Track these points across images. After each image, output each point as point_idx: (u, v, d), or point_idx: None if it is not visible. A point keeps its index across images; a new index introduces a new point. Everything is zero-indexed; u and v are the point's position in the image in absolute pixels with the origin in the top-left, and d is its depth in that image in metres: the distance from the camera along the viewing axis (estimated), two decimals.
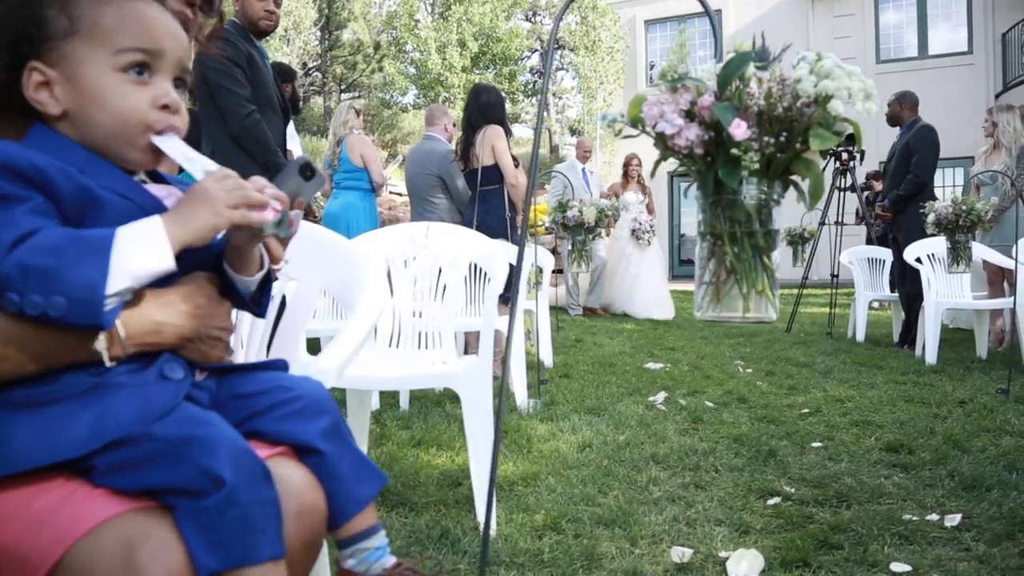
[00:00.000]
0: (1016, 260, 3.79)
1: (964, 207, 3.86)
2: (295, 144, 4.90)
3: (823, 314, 7.64)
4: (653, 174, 1.21)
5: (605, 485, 2.53)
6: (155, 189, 0.98)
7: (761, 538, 2.09)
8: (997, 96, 14.24)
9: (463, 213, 4.84)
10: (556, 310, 8.36)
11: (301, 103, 4.74)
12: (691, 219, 17.93)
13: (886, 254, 6.44)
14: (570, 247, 4.74)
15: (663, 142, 1.09)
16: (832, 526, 2.15)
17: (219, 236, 0.94)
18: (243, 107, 3.06)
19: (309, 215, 4.50)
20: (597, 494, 2.44)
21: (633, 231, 8.47)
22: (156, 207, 0.93)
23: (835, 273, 7.20)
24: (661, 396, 3.92)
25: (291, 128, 4.94)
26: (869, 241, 7.59)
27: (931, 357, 4.95)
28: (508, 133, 4.50)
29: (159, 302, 0.91)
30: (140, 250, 0.84)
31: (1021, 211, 5.59)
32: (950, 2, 15.06)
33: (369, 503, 1.03)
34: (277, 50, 14.44)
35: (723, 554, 1.95)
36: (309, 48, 16.64)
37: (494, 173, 4.41)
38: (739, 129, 0.99)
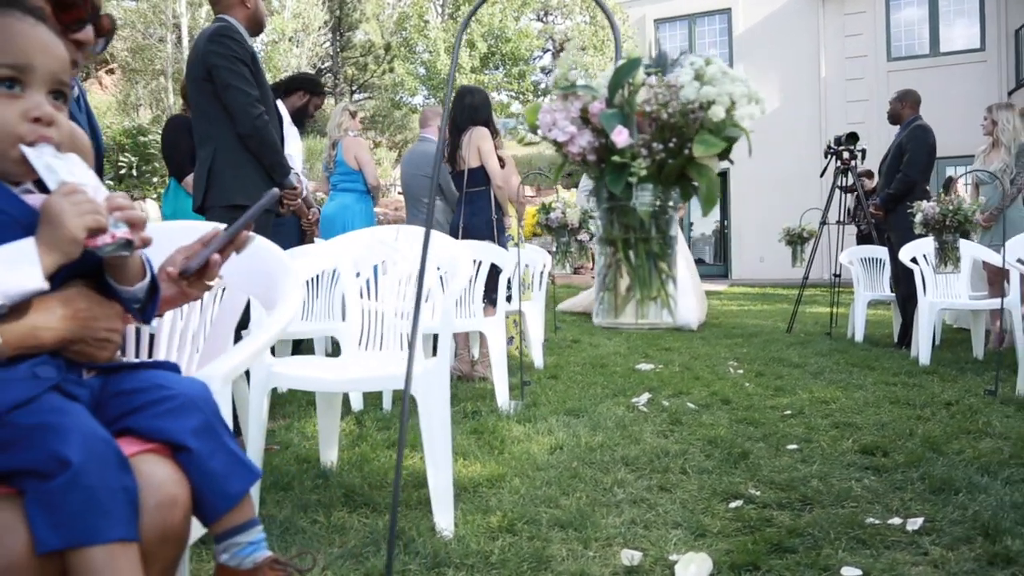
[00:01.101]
0: (1003, 258, 3.74)
1: (951, 207, 3.82)
2: (299, 152, 4.93)
3: (827, 314, 7.58)
4: (556, 179, 1.21)
5: (569, 487, 2.53)
6: (35, 200, 1.00)
7: (716, 541, 2.09)
8: (1010, 94, 14.07)
9: None
10: (571, 315, 8.39)
11: (310, 119, 4.77)
12: (702, 218, 17.87)
13: (885, 253, 6.39)
14: (554, 249, 4.73)
15: (559, 148, 1.10)
16: (790, 529, 2.14)
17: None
18: (254, 107, 3.05)
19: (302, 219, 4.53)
20: (560, 496, 2.44)
21: None
22: (32, 219, 0.95)
23: (837, 273, 7.16)
24: (644, 398, 3.91)
25: (298, 137, 4.97)
26: (860, 240, 7.55)
27: (924, 358, 4.90)
28: (494, 134, 4.51)
29: (38, 308, 0.94)
30: (12, 271, 0.88)
31: (1015, 210, 5.54)
32: None
33: (240, 499, 1.06)
34: (287, 51, 14.54)
35: (673, 557, 1.95)
36: (318, 50, 16.72)
37: (480, 175, 4.42)
38: (620, 136, 0.99)
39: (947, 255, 3.97)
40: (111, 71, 19.14)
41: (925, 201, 4.03)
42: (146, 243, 1.00)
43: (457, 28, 16.34)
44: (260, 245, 1.51)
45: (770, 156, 15.45)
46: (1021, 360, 3.92)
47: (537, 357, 4.92)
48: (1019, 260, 3.93)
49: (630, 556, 1.94)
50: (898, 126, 5.94)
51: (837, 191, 7.39)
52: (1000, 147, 5.68)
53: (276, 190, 1.19)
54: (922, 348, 4.92)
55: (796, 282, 7.40)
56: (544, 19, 26.04)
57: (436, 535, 2.13)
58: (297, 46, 14.90)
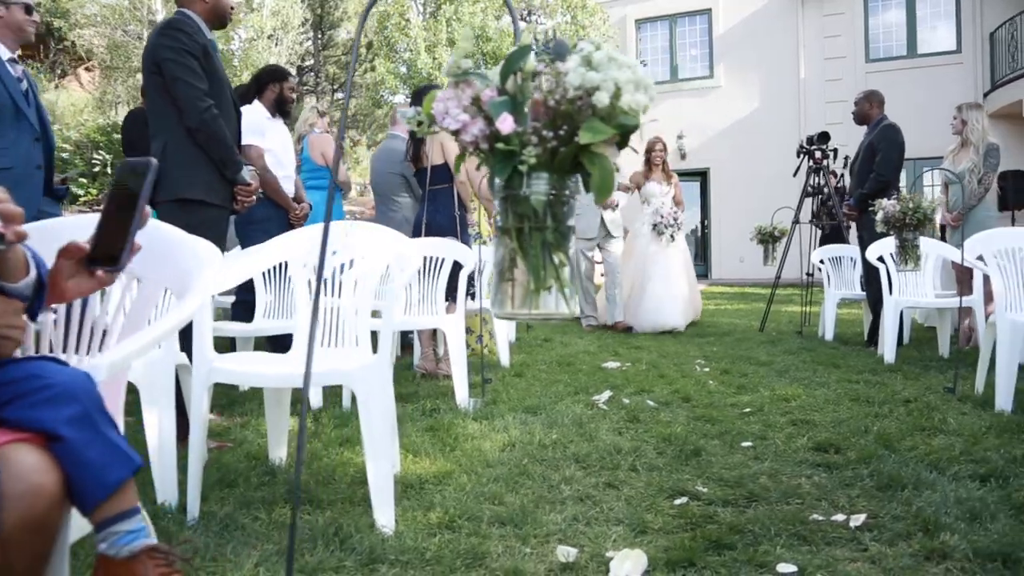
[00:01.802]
0: (962, 256, 3.75)
1: (911, 205, 3.83)
2: (288, 144, 4.87)
3: (806, 311, 7.57)
4: (457, 169, 1.20)
5: (517, 484, 2.51)
6: None
7: (656, 538, 2.08)
8: (986, 95, 14.19)
9: None
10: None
11: (292, 104, 4.72)
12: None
13: (856, 252, 6.41)
14: None
15: (456, 137, 1.08)
16: (731, 526, 2.13)
17: None
18: (202, 101, 3.01)
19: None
20: (506, 493, 2.42)
21: (655, 225, 7.28)
22: None
23: (809, 272, 7.18)
24: (606, 395, 3.90)
25: (285, 130, 4.92)
26: (823, 240, 7.59)
27: (889, 356, 4.92)
28: None
29: None
30: None
31: (983, 210, 5.58)
32: (939, 1, 15.00)
33: (117, 487, 1.05)
34: (266, 49, 14.43)
35: (610, 554, 1.93)
36: (297, 48, 16.61)
37: (444, 172, 4.39)
38: (505, 124, 0.97)
39: (907, 253, 3.98)
40: (89, 68, 18.95)
41: (886, 199, 4.04)
42: (20, 237, 0.97)
43: (428, 30, 16.30)
44: (173, 236, 1.48)
45: (750, 156, 15.53)
46: (982, 358, 3.93)
47: (504, 355, 4.90)
48: (979, 258, 3.95)
49: (566, 553, 1.93)
50: (865, 126, 5.97)
51: (810, 190, 7.42)
52: (969, 147, 5.70)
53: (154, 160, 1.16)
54: (887, 346, 4.94)
55: (769, 281, 7.40)
56: (527, 19, 26.01)
57: (375, 531, 2.11)
58: (276, 44, 14.78)
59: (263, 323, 3.96)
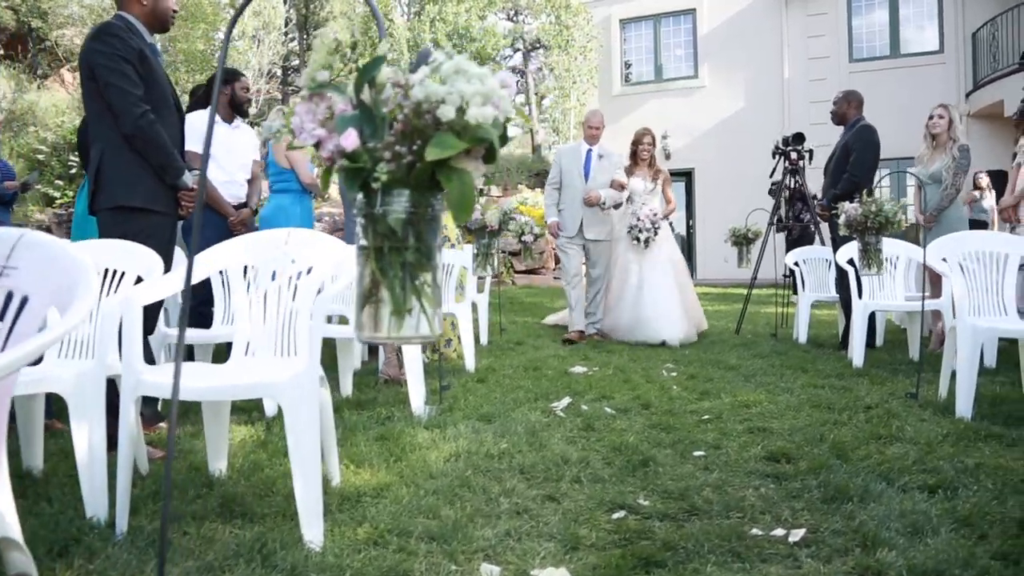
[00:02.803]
0: (923, 257, 3.72)
1: (873, 208, 3.79)
2: (253, 148, 4.81)
3: (782, 314, 7.53)
4: (325, 187, 1.14)
5: (456, 497, 2.46)
6: None
7: (587, 555, 2.03)
8: (968, 95, 14.21)
9: None
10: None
11: (248, 104, 4.68)
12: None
13: (830, 254, 6.38)
14: (475, 251, 4.63)
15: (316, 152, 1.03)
16: (665, 543, 2.08)
17: None
18: (137, 106, 2.96)
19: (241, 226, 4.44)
20: (443, 506, 2.37)
21: (630, 229, 6.47)
22: None
23: (785, 274, 7.14)
24: (564, 402, 3.85)
25: (251, 133, 4.87)
26: (790, 244, 7.56)
27: (858, 360, 4.89)
28: None
29: None
30: None
31: (955, 210, 5.56)
32: (922, 2, 15.01)
33: None
34: (247, 50, 14.32)
35: (534, 573, 1.89)
36: (279, 49, 16.50)
37: None
38: (348, 140, 0.92)
39: (870, 257, 3.94)
40: (74, 69, 18.79)
41: (848, 202, 4.00)
42: None
43: (376, 31, 16.23)
44: (57, 251, 1.42)
45: (735, 156, 15.52)
46: (945, 363, 3.90)
47: (469, 359, 4.85)
48: (944, 260, 3.91)
49: (489, 571, 1.88)
50: (842, 127, 5.94)
51: (787, 192, 7.40)
52: (942, 148, 5.67)
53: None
54: (856, 350, 4.91)
55: (759, 282, 7.32)
56: (514, 19, 25.98)
57: (301, 547, 2.05)
58: (258, 44, 14.66)
59: (220, 329, 3.90)
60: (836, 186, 5.68)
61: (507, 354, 5.77)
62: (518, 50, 25.56)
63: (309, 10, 21.74)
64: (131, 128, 2.92)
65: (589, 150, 6.53)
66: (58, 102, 16.21)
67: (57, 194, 11.92)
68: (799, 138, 7.17)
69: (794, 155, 7.18)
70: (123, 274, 2.77)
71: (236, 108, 4.58)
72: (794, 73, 15.63)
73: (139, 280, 2.72)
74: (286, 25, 20.78)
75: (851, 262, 5.03)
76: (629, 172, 6.70)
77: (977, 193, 11.44)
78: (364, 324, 1.02)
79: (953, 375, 3.64)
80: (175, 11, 3.27)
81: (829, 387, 4.24)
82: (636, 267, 6.50)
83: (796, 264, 6.50)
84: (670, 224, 7.04)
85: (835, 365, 4.96)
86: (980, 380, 3.55)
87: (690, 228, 17.11)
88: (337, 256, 2.58)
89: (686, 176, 16.72)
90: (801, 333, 6.26)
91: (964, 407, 3.45)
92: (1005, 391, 3.97)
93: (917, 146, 5.89)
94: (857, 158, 5.56)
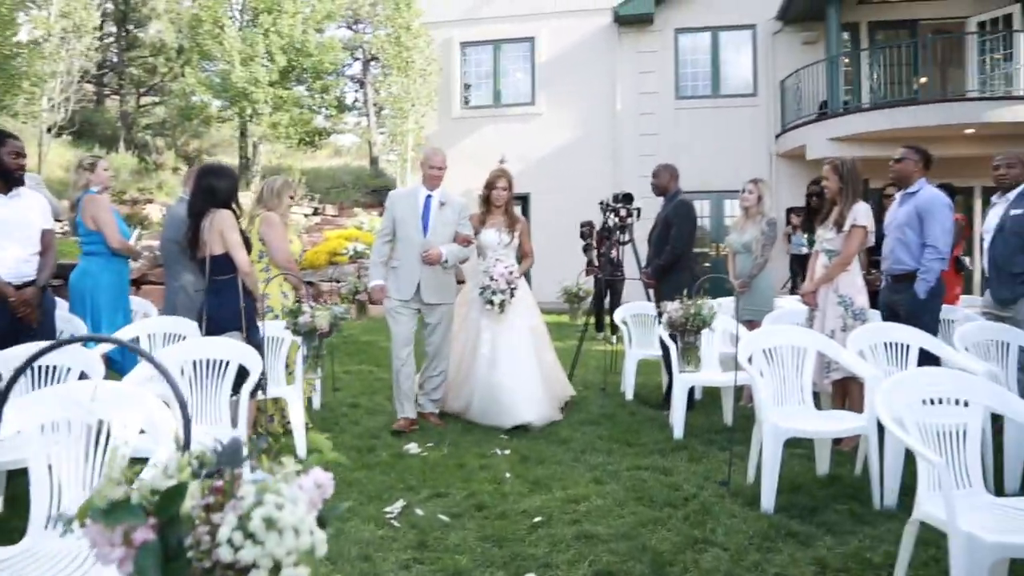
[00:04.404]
0: (736, 355, 4.00)
1: (692, 311, 4.04)
2: (42, 215, 4.35)
3: (612, 353, 7.77)
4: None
5: None
6: None
7: None
8: (777, 136, 15.49)
9: None
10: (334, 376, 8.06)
11: (20, 171, 4.24)
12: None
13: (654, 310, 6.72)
14: (305, 353, 4.47)
15: None
16: None
17: None
18: None
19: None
20: None
21: (482, 290, 5.51)
22: None
23: (615, 327, 7.45)
24: (398, 506, 3.80)
25: (36, 198, 4.38)
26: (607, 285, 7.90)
27: (678, 431, 5.18)
28: (237, 217, 4.19)
29: None
30: None
31: (763, 279, 6.04)
32: (739, 48, 16.20)
33: None
34: (54, 54, 12.99)
35: None
36: (93, 54, 15.18)
37: (226, 262, 4.09)
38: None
39: (688, 355, 4.20)
40: None
41: (670, 302, 4.24)
42: None
43: (254, 38, 15.52)
44: None
45: (568, 183, 16.04)
46: (754, 439, 4.18)
47: (300, 444, 4.68)
48: (750, 359, 4.22)
49: None
50: (663, 197, 6.30)
51: (618, 245, 7.73)
52: (752, 219, 6.13)
53: None
54: (676, 424, 5.21)
55: (576, 333, 7.56)
56: (354, 27, 25.49)
57: None
58: (66, 47, 13.38)
59: None
60: (660, 256, 6.03)
61: (341, 421, 5.64)
62: (357, 59, 25.15)
63: (129, 6, 20.27)
64: None
65: (428, 196, 5.46)
66: None
67: None
68: (628, 198, 7.52)
69: (623, 212, 7.53)
70: None
71: (5, 176, 4.11)
72: (625, 106, 16.37)
73: None
74: (107, 20, 19.24)
75: (673, 336, 5.33)
76: (481, 220, 5.84)
77: (790, 228, 12.56)
78: None
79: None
80: None
81: (652, 468, 4.46)
82: (489, 335, 5.63)
83: (623, 322, 6.80)
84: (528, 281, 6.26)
85: (657, 436, 5.22)
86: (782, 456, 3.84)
87: None
88: (151, 413, 2.39)
89: (522, 200, 17.06)
90: (628, 389, 6.56)
91: (768, 502, 3.75)
92: (802, 467, 4.35)
93: (732, 180, 6.38)
94: (677, 232, 5.94)
